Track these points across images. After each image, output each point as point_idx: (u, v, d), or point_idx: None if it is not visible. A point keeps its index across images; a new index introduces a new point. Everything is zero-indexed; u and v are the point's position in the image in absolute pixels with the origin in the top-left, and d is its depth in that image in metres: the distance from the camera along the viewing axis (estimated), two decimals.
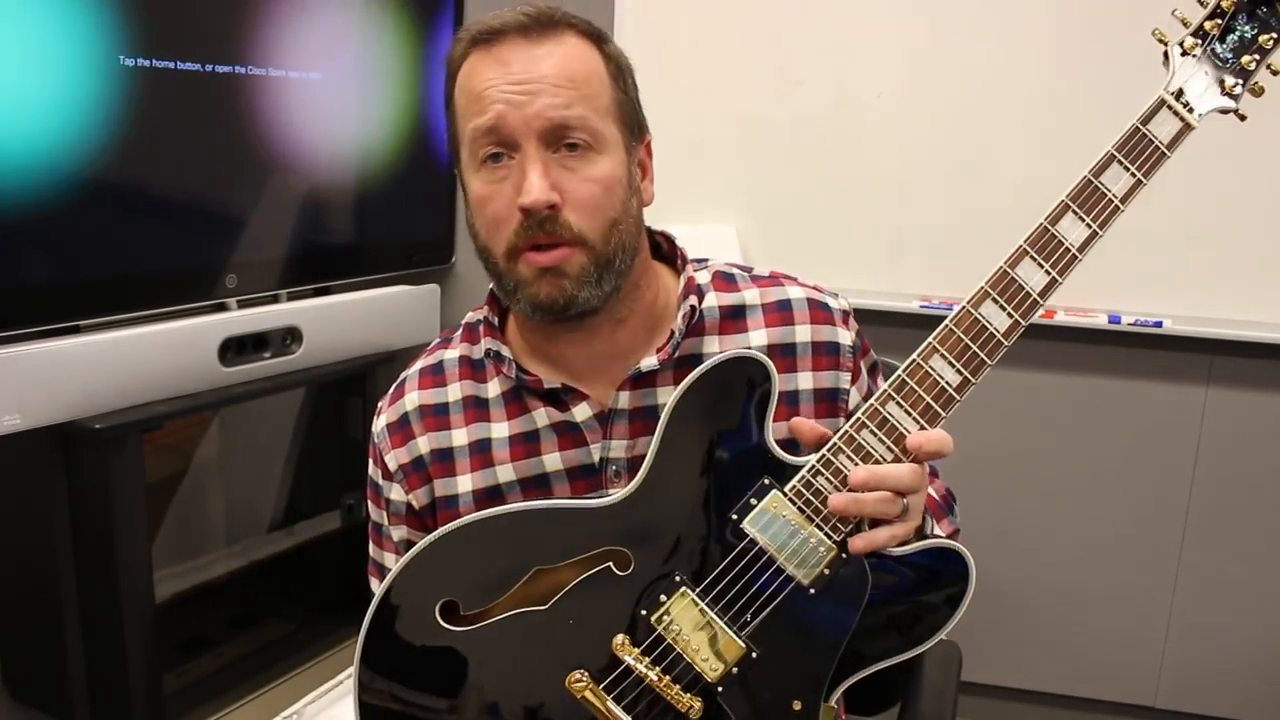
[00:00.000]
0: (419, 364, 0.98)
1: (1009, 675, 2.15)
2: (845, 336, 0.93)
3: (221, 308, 1.90)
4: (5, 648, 1.90)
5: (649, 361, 0.89)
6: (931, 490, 0.95)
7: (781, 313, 0.93)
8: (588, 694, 0.80)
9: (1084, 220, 0.79)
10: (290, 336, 1.98)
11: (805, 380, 0.92)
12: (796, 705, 0.80)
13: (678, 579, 0.81)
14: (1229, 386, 1.99)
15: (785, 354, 0.91)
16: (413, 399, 0.96)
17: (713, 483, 0.82)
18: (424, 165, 2.28)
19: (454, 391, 0.95)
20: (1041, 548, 2.09)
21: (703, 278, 0.95)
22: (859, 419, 0.79)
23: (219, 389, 1.86)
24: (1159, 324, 1.93)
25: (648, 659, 0.80)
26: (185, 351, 1.79)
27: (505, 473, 0.91)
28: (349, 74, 2.08)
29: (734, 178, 2.14)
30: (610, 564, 0.81)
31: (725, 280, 0.95)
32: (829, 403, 0.92)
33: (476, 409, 0.94)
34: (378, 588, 1.01)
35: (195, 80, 1.77)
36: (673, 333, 0.90)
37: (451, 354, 0.97)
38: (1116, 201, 0.79)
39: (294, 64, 1.95)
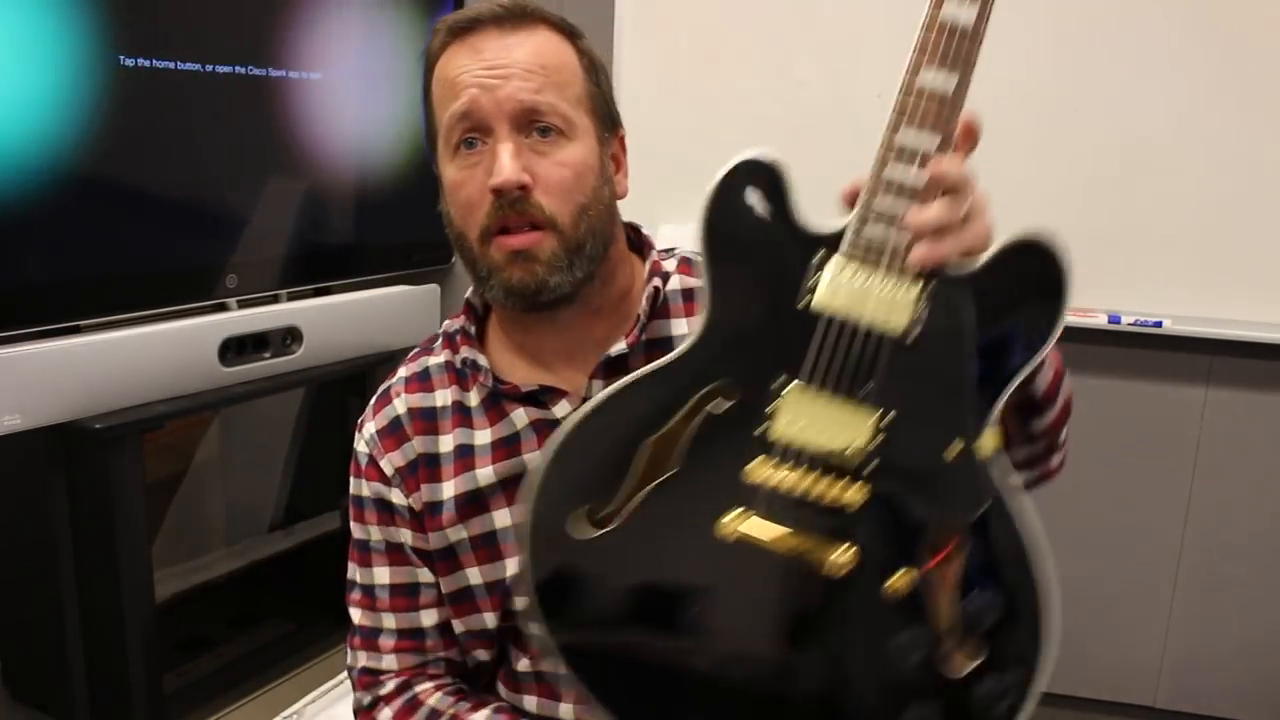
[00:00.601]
0: (403, 372, 0.98)
1: None
2: None
3: (221, 308, 1.90)
4: (5, 648, 1.90)
5: (618, 347, 0.89)
6: None
7: None
8: (745, 529, 0.78)
9: None
10: (290, 336, 1.98)
11: None
12: (951, 452, 0.77)
13: (780, 384, 0.78)
14: (1229, 387, 1.99)
15: None
16: (401, 404, 0.95)
17: (771, 285, 0.80)
18: (424, 165, 2.27)
19: (441, 397, 0.94)
20: None
21: (669, 265, 0.96)
22: (878, 159, 0.77)
23: (219, 389, 1.86)
24: (1159, 324, 1.93)
25: (787, 470, 0.78)
26: (185, 351, 1.79)
27: (485, 475, 0.91)
28: (349, 74, 2.08)
29: None
30: (714, 402, 0.80)
31: (688, 264, 0.97)
32: None
33: (462, 415, 0.94)
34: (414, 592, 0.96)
35: (195, 80, 1.77)
36: (638, 317, 0.91)
37: (436, 360, 0.96)
38: None
39: (294, 64, 1.95)
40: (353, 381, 2.20)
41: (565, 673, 0.83)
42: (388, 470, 0.94)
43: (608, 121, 0.91)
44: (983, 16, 0.79)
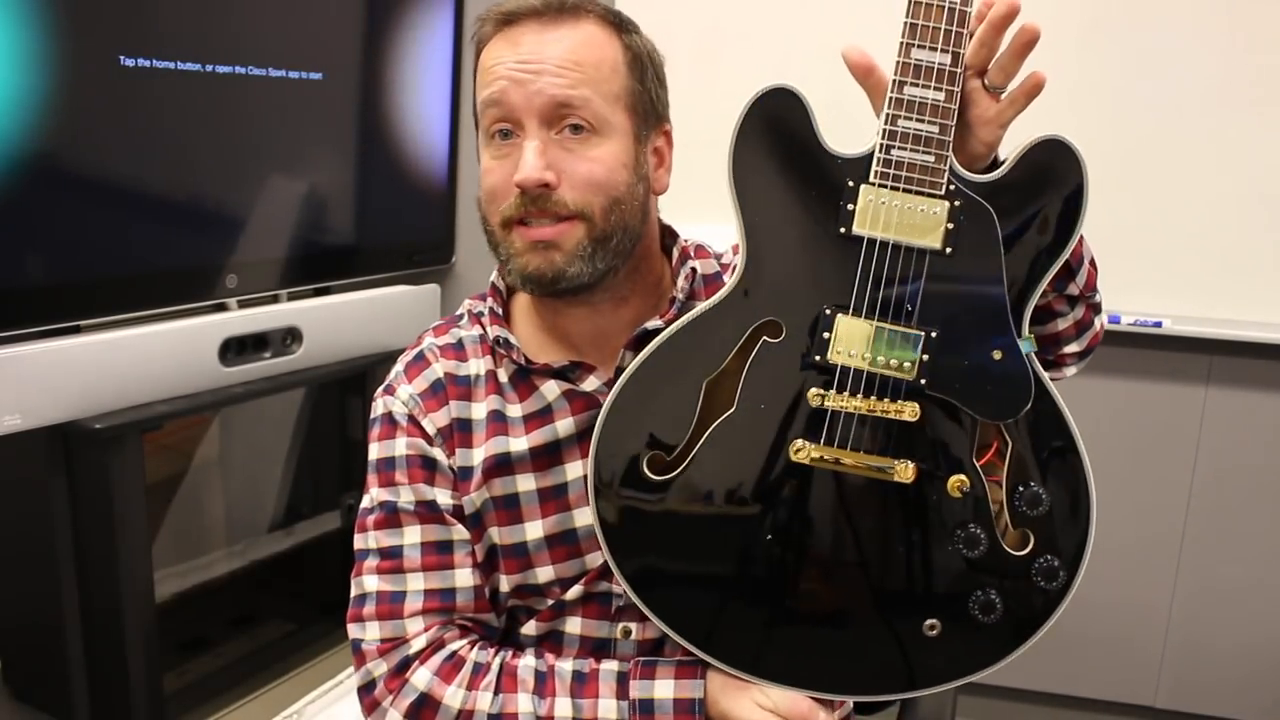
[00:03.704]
0: (433, 341, 0.98)
1: (1009, 675, 2.14)
2: None
3: (222, 308, 1.90)
4: (5, 648, 1.90)
5: (654, 323, 0.91)
6: None
7: None
8: (814, 455, 0.81)
9: None
10: (290, 336, 1.98)
11: None
12: (997, 355, 0.82)
13: (828, 312, 0.82)
14: (1228, 386, 1.99)
15: None
16: (440, 367, 0.95)
17: (807, 216, 0.83)
18: (424, 165, 2.28)
19: (475, 366, 0.96)
20: None
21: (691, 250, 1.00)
22: (895, 80, 0.81)
23: (219, 389, 1.86)
24: (1159, 324, 1.93)
25: (846, 395, 0.81)
26: (185, 351, 1.79)
27: (518, 444, 0.92)
28: (349, 74, 2.08)
29: None
30: (764, 338, 0.83)
31: (703, 249, 1.01)
32: None
33: (495, 385, 0.95)
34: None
35: (195, 80, 1.77)
36: (674, 299, 0.93)
37: (469, 332, 0.98)
38: None
39: (294, 64, 1.95)
40: (353, 381, 2.20)
41: (650, 616, 0.85)
42: (430, 429, 0.93)
43: (649, 117, 0.93)
44: None
